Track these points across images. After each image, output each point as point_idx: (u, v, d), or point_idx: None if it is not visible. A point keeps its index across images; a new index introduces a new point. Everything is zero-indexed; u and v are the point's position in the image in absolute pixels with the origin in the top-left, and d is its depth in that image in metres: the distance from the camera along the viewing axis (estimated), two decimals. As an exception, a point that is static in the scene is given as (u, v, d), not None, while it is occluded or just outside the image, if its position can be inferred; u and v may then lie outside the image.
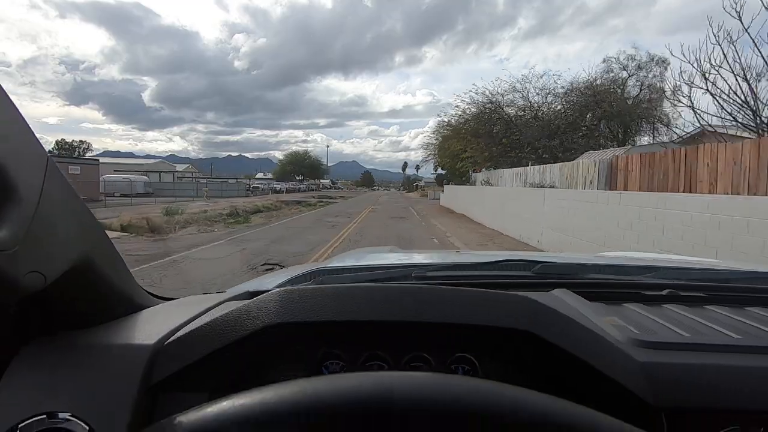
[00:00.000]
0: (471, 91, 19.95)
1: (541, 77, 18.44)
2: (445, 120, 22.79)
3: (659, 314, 0.70)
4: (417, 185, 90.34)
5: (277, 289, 0.59)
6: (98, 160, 30.18)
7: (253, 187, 52.19)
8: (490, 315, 0.53)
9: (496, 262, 1.03)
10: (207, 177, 55.61)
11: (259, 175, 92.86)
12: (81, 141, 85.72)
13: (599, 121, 16.84)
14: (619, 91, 17.41)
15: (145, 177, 38.01)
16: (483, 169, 20.06)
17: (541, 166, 11.80)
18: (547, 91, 18.51)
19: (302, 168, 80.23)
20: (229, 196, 35.64)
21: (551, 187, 10.05)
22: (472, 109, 20.39)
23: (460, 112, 21.27)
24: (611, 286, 0.86)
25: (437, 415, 0.31)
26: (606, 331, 0.58)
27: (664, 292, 0.80)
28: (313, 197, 40.93)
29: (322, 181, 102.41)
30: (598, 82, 17.68)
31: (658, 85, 16.77)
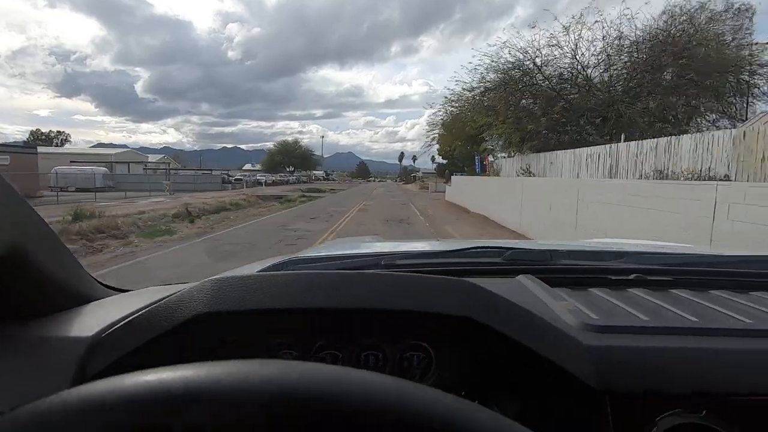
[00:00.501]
0: (487, 55, 15.04)
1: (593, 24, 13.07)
2: (453, 95, 17.84)
3: (622, 298, 0.70)
4: (414, 176, 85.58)
5: (213, 277, 0.57)
6: (36, 148, 25.10)
7: (235, 180, 47.33)
8: (427, 301, 0.53)
9: (468, 249, 1.03)
10: (183, 168, 50.32)
11: (248, 166, 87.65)
12: (59, 131, 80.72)
13: (684, 79, 11.77)
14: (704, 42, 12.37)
15: (105, 169, 33.03)
16: (512, 154, 15.32)
17: (667, 138, 6.78)
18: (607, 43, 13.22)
19: (293, 158, 75.03)
20: (203, 189, 31.08)
21: (725, 179, 5.17)
22: (491, 75, 15.34)
23: (476, 80, 16.36)
24: (579, 271, 0.86)
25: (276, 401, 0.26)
26: (559, 316, 0.58)
27: (631, 277, 0.80)
28: (299, 190, 36.71)
29: (315, 172, 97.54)
30: (672, 30, 12.66)
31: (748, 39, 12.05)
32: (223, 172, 53.83)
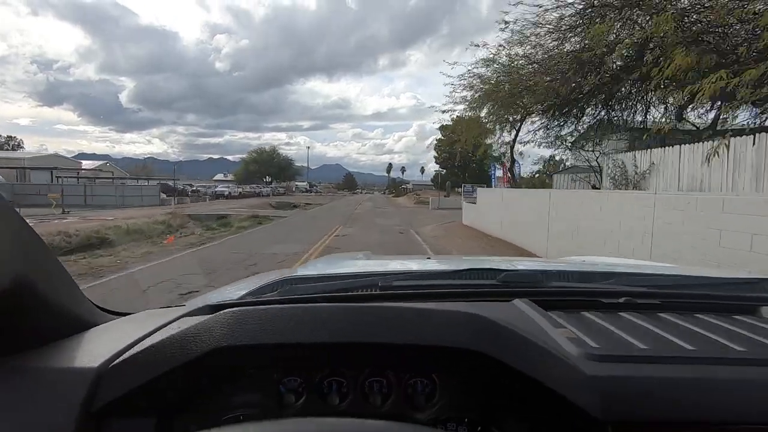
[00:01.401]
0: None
1: None
2: (482, 66, 10.29)
3: (615, 323, 0.72)
4: (405, 188, 78.38)
5: (227, 311, 0.58)
6: None
7: (192, 191, 39.40)
8: (433, 334, 0.54)
9: (463, 270, 1.05)
10: (127, 178, 41.96)
11: (219, 176, 79.35)
12: (9, 137, 71.50)
13: None
14: None
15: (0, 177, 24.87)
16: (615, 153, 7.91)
17: None
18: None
19: (270, 168, 67.17)
20: (131, 205, 23.23)
21: None
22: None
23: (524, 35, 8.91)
24: (570, 294, 0.89)
25: None
26: (559, 344, 0.59)
27: (621, 300, 0.82)
28: (267, 205, 29.14)
29: (298, 183, 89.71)
30: None
31: None
32: (186, 183, 45.90)
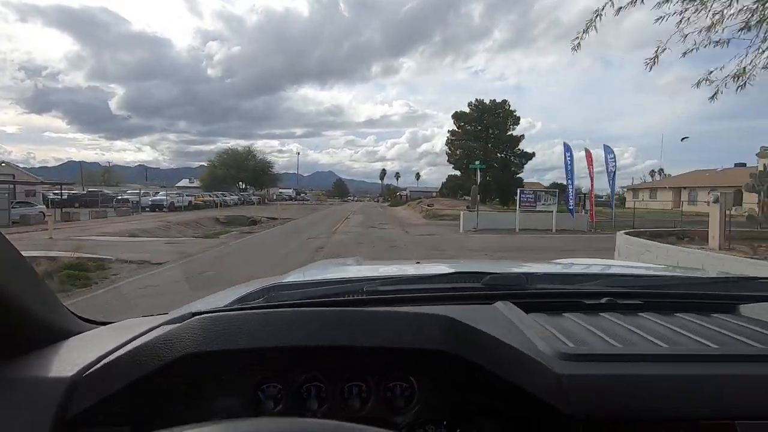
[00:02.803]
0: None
1: None
2: None
3: (595, 324, 0.72)
4: (401, 195, 68.16)
5: (198, 317, 0.58)
6: None
7: (118, 200, 28.76)
8: (406, 337, 0.55)
9: (448, 274, 1.08)
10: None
11: (184, 182, 68.40)
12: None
13: None
14: None
15: None
16: None
17: None
18: None
19: (243, 172, 56.50)
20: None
21: None
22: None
23: None
24: (554, 296, 0.89)
25: None
26: (534, 345, 0.59)
27: (602, 301, 0.82)
28: (212, 220, 20.13)
29: (282, 190, 79.04)
30: None
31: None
32: (132, 191, 35.38)
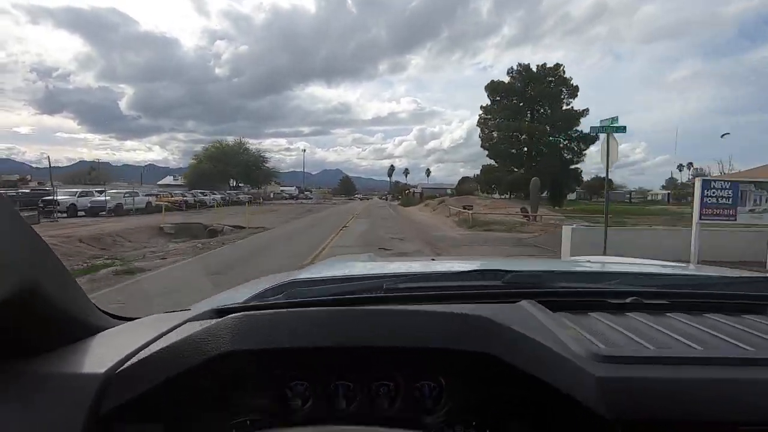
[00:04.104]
0: None
1: None
2: None
3: (622, 324, 0.71)
4: (413, 192, 60.30)
5: (234, 316, 0.59)
6: None
7: (45, 201, 21.46)
8: (443, 338, 0.55)
9: (469, 272, 1.05)
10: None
11: (168, 179, 61.44)
12: None
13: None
14: None
15: None
16: None
17: None
18: None
19: (233, 167, 49.20)
20: None
21: None
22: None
23: None
24: (577, 294, 0.88)
25: None
26: (567, 345, 0.59)
27: (628, 300, 0.81)
28: (155, 231, 11.73)
29: (284, 188, 71.73)
30: None
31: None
32: (97, 189, 28.33)
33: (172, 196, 31.03)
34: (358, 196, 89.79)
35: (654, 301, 0.81)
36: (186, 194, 33.58)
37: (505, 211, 17.83)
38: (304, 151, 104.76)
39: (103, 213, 21.32)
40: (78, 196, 22.98)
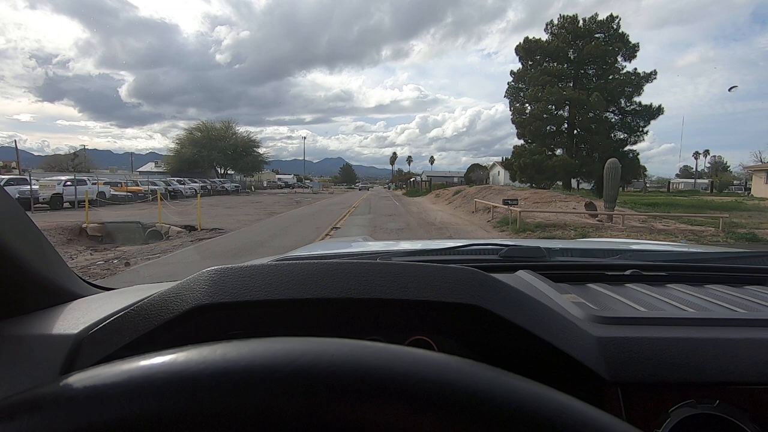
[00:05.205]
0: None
1: None
2: None
3: (621, 293, 0.71)
4: (422, 181, 55.36)
5: (210, 269, 0.54)
6: None
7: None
8: (433, 289, 0.51)
9: (464, 246, 1.02)
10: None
11: (147, 166, 56.46)
12: None
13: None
14: None
15: None
16: None
17: None
18: None
19: (218, 153, 44.15)
20: None
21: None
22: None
23: None
24: (576, 267, 0.86)
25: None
26: (565, 308, 0.58)
27: (627, 272, 0.81)
28: None
29: (281, 176, 66.84)
30: None
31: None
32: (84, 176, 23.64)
33: (138, 185, 26.24)
34: (358, 184, 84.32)
35: (653, 273, 0.81)
36: (157, 182, 28.74)
37: (559, 207, 12.91)
38: (305, 138, 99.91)
39: (38, 205, 16.66)
40: (5, 185, 18.26)
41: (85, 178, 22.19)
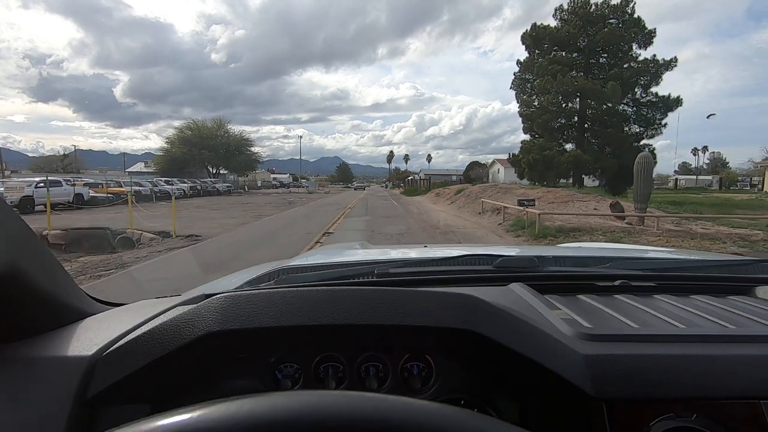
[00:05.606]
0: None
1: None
2: None
3: (610, 305, 0.73)
4: (421, 179, 53.96)
5: (220, 295, 0.57)
6: None
7: None
8: (429, 315, 0.54)
9: (459, 257, 1.05)
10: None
11: (137, 166, 54.83)
12: None
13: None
14: None
15: None
16: None
17: None
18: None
19: (210, 152, 42.57)
20: None
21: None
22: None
23: None
24: (567, 278, 0.89)
25: None
26: (554, 325, 0.60)
27: (616, 283, 0.83)
28: None
29: (277, 176, 65.60)
30: None
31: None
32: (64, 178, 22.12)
33: (121, 186, 24.76)
34: (354, 184, 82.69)
35: (642, 284, 0.82)
36: (143, 183, 27.25)
37: (577, 208, 11.55)
38: (301, 137, 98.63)
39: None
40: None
41: (60, 179, 20.67)
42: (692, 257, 1.27)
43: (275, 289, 0.58)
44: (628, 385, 0.50)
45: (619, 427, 0.50)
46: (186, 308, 0.56)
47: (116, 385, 0.50)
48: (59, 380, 0.50)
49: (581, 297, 0.77)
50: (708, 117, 27.37)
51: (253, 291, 0.58)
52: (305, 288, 0.60)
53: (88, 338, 0.57)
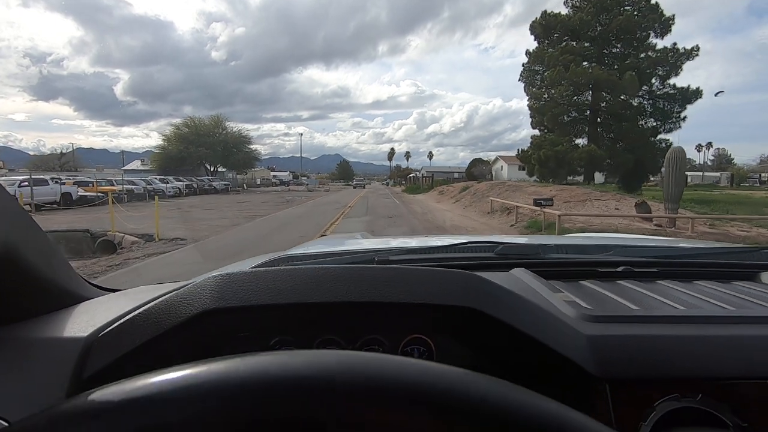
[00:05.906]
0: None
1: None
2: None
3: (613, 289, 0.73)
4: (423, 177, 52.99)
5: (216, 273, 0.56)
6: None
7: None
8: (430, 293, 0.53)
9: (459, 244, 1.04)
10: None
11: (134, 164, 54.00)
12: None
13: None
14: None
15: None
16: None
17: None
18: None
19: (209, 149, 41.64)
20: None
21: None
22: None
23: None
24: (569, 264, 0.88)
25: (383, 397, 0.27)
26: (557, 307, 0.60)
27: (619, 269, 0.82)
28: None
29: (277, 173, 64.87)
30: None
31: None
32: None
33: (113, 184, 23.88)
34: (353, 182, 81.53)
35: (645, 270, 0.82)
36: (137, 181, 26.38)
37: (596, 207, 10.63)
38: (301, 135, 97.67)
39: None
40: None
41: (47, 177, 19.75)
42: (696, 245, 1.25)
43: (273, 269, 0.56)
44: (632, 365, 0.50)
45: (622, 407, 0.49)
46: (182, 289, 0.55)
47: (112, 366, 0.50)
48: (55, 360, 0.50)
49: (584, 283, 0.77)
50: (716, 95, 26.64)
51: (251, 270, 0.56)
52: (301, 267, 0.58)
53: (85, 321, 0.57)
